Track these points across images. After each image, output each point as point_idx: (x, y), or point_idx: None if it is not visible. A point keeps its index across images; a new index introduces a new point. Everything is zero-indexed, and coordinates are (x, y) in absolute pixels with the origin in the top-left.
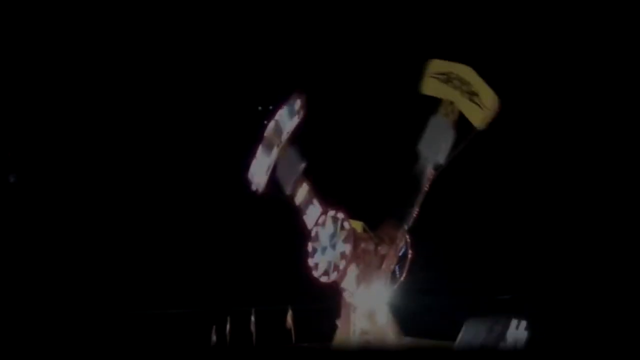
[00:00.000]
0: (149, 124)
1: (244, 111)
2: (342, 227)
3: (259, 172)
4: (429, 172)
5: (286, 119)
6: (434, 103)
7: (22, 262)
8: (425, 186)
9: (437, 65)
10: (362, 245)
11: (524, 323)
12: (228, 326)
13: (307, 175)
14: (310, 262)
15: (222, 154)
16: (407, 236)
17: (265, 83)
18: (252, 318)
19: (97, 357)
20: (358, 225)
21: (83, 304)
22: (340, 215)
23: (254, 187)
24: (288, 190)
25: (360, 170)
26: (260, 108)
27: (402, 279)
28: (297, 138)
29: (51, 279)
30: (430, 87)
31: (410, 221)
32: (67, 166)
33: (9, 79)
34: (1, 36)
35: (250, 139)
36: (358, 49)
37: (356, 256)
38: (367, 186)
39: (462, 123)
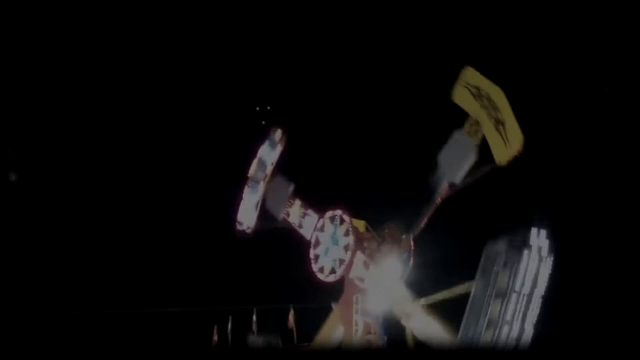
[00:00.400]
0: (149, 123)
1: (242, 111)
2: (342, 222)
3: (247, 213)
4: (444, 186)
5: (268, 154)
6: (462, 114)
7: (22, 261)
8: (438, 199)
9: (471, 75)
10: (365, 244)
11: (544, 232)
12: (229, 325)
13: (297, 192)
14: (315, 267)
15: (222, 152)
16: (412, 243)
17: (265, 83)
18: (254, 317)
19: (98, 356)
20: (360, 225)
21: (83, 303)
22: (338, 213)
23: (244, 228)
24: (280, 217)
25: (373, 171)
26: (258, 108)
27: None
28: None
29: (51, 278)
30: (461, 96)
31: (417, 230)
32: (67, 165)
33: (9, 78)
34: (1, 36)
35: (250, 137)
36: (381, 44)
37: (360, 245)
38: (376, 187)
39: (483, 149)
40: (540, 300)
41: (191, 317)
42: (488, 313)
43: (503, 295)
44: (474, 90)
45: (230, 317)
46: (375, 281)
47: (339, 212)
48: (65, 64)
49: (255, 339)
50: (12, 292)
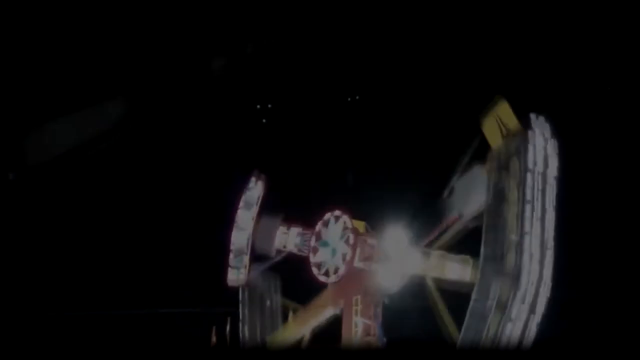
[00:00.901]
0: (149, 123)
1: (243, 109)
2: (338, 219)
3: (238, 260)
4: (453, 215)
5: (252, 196)
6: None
7: (20, 261)
8: (445, 224)
9: (504, 111)
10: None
11: (542, 117)
12: (228, 327)
13: (287, 219)
14: (319, 274)
15: (222, 150)
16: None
17: (266, 81)
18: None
19: (97, 358)
20: (360, 225)
21: (82, 304)
22: (332, 213)
23: (237, 284)
24: (273, 253)
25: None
26: (258, 106)
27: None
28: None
29: (51, 277)
30: (489, 129)
31: (421, 245)
32: (66, 164)
33: (9, 78)
34: (1, 36)
35: (250, 134)
36: (390, 40)
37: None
38: (378, 193)
39: None
40: (555, 183)
41: (189, 319)
42: (507, 199)
43: (517, 177)
44: (504, 130)
45: (228, 319)
46: (383, 255)
47: (332, 212)
48: (64, 64)
49: (256, 277)
50: (11, 293)
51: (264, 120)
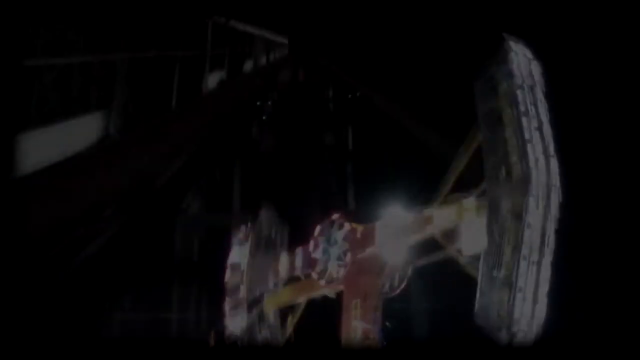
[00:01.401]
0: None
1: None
2: (332, 223)
3: (235, 321)
4: (452, 248)
5: (239, 253)
6: None
7: (19, 261)
8: (443, 252)
9: None
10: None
11: (519, 44)
12: (227, 330)
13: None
14: (322, 282)
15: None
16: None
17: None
18: None
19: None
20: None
21: (82, 305)
22: (326, 221)
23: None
24: (271, 285)
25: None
26: (258, 103)
27: (392, 293)
28: None
29: (49, 277)
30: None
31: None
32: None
33: (10, 76)
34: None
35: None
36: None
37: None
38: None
39: None
40: (544, 98)
41: (189, 321)
42: (502, 120)
43: (509, 97)
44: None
45: (227, 322)
46: (384, 233)
47: (327, 220)
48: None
49: (267, 219)
50: (10, 293)
51: (264, 117)
